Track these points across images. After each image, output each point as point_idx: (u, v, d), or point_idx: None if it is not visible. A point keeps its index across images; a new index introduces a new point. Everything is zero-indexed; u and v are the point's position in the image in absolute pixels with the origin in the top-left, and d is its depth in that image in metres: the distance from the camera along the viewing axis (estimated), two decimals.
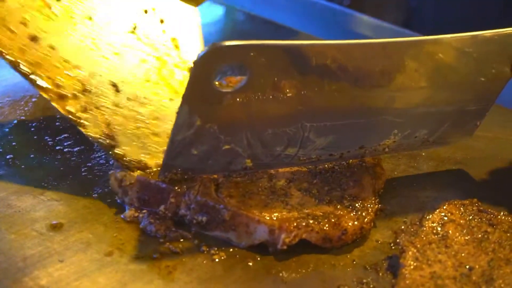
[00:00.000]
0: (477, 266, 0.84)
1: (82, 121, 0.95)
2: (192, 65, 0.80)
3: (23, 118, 1.18)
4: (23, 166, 1.05)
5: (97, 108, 0.97)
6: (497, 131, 1.18)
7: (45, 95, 0.95)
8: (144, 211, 0.94)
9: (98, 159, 1.07)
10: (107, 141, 0.96)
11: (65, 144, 1.11)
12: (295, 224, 0.88)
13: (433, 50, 0.91)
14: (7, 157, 1.07)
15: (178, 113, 0.82)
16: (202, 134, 0.85)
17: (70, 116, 0.96)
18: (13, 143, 1.11)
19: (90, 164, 1.06)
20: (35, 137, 1.13)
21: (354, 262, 0.89)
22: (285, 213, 0.90)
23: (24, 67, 0.95)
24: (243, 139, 0.87)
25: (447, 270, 0.83)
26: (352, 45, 0.87)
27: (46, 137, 1.13)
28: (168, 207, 0.93)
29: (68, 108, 0.95)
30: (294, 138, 0.90)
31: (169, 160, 0.89)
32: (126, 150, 0.97)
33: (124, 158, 0.97)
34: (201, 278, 0.85)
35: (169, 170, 0.91)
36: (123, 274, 0.85)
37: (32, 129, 1.15)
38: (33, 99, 1.23)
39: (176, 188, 0.93)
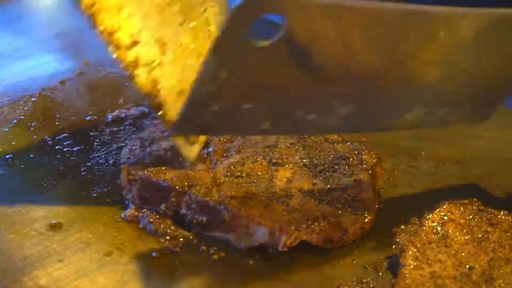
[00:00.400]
0: (477, 266, 0.84)
1: (134, 74, 0.92)
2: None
3: (23, 117, 1.18)
4: (22, 166, 1.05)
5: (147, 64, 0.93)
6: (497, 131, 1.18)
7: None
8: (144, 210, 0.94)
9: (97, 158, 1.07)
10: (156, 100, 0.91)
11: (64, 143, 1.11)
12: (295, 226, 0.88)
13: (462, 23, 0.89)
14: (7, 156, 1.07)
15: (204, 63, 0.78)
16: (226, 89, 0.81)
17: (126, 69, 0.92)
18: (13, 143, 1.11)
19: (89, 163, 1.06)
20: (34, 136, 1.13)
21: (354, 262, 0.89)
22: (285, 214, 0.90)
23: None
24: (266, 98, 0.84)
25: (447, 270, 0.83)
26: (392, 10, 0.83)
27: (45, 137, 1.13)
28: (169, 206, 0.93)
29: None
30: (316, 103, 0.86)
31: (187, 114, 0.83)
32: (170, 112, 0.92)
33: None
34: (200, 277, 0.85)
35: (184, 126, 0.85)
36: (123, 274, 0.85)
37: (32, 128, 1.15)
38: (33, 99, 1.23)
39: (177, 187, 0.93)
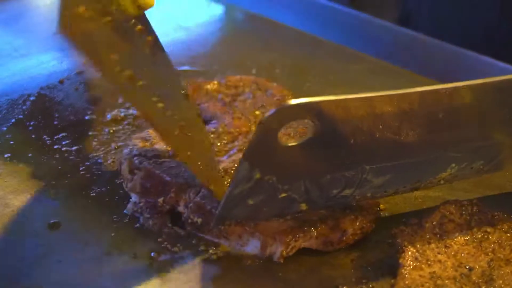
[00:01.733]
0: (477, 266, 0.84)
1: None
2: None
3: (21, 117, 1.18)
4: (21, 165, 1.05)
5: None
6: None
7: None
8: (141, 203, 0.94)
9: (96, 158, 1.07)
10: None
11: (63, 143, 1.11)
12: (292, 234, 0.87)
13: (491, 92, 0.93)
14: (5, 156, 1.07)
15: (238, 168, 0.82)
16: (260, 186, 0.84)
17: None
18: (11, 142, 1.10)
19: (88, 163, 1.06)
20: (33, 136, 1.13)
21: (353, 262, 0.89)
22: (282, 222, 0.89)
23: None
24: (301, 186, 0.87)
25: (446, 270, 0.83)
26: (420, 93, 0.87)
27: (44, 136, 1.12)
28: (167, 200, 0.93)
29: None
30: (352, 180, 0.89)
31: (225, 212, 0.87)
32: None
33: None
34: (198, 277, 0.85)
35: (223, 221, 0.89)
36: (121, 273, 0.85)
37: (30, 128, 1.15)
38: (31, 98, 1.23)
39: (179, 184, 0.93)
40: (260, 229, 0.88)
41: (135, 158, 0.97)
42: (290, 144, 0.82)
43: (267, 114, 0.78)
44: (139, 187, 0.95)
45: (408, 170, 0.93)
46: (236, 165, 0.97)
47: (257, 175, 0.82)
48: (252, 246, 0.88)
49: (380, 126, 0.86)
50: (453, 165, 0.95)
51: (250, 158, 0.81)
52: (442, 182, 0.97)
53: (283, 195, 0.86)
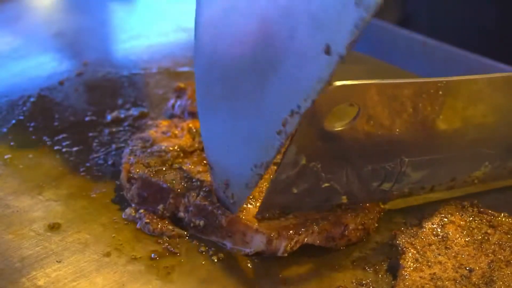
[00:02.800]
0: (477, 268, 0.84)
1: None
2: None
3: (21, 118, 1.18)
4: (21, 166, 1.05)
5: None
6: None
7: None
8: (142, 210, 0.94)
9: (96, 159, 1.07)
10: None
11: (63, 144, 1.11)
12: (295, 230, 0.87)
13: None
14: (5, 157, 1.07)
15: (285, 153, 0.83)
16: (305, 173, 0.85)
17: None
18: (11, 143, 1.10)
19: (88, 164, 1.06)
20: (33, 137, 1.13)
21: (354, 263, 0.88)
22: (284, 220, 0.89)
23: None
24: (343, 177, 0.88)
25: (447, 272, 0.83)
26: (461, 81, 0.89)
27: (44, 137, 1.12)
28: (167, 207, 0.93)
29: None
30: (391, 174, 0.91)
31: (269, 199, 0.88)
32: None
33: None
34: (199, 279, 0.85)
35: (267, 209, 0.90)
36: (121, 275, 0.85)
37: (30, 129, 1.15)
38: (31, 99, 1.23)
39: (177, 189, 0.93)
40: (264, 226, 0.88)
41: (131, 167, 0.97)
42: (335, 129, 0.82)
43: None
44: (136, 197, 0.95)
45: (444, 166, 0.95)
46: None
47: (303, 161, 0.83)
48: (257, 242, 0.88)
49: (419, 115, 0.87)
50: (487, 163, 0.97)
51: (297, 142, 0.82)
52: (476, 181, 0.99)
53: (326, 185, 0.87)
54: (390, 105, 0.84)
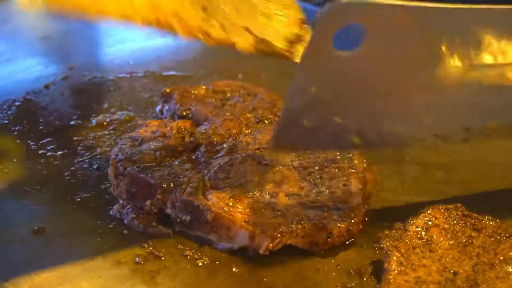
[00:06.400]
0: (461, 271, 0.84)
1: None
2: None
3: (6, 122, 1.17)
4: (6, 171, 1.05)
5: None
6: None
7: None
8: (129, 206, 0.94)
9: (81, 163, 1.07)
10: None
11: (48, 148, 1.10)
12: (279, 230, 0.88)
13: None
14: None
15: (294, 79, 0.82)
16: (315, 103, 0.84)
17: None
18: None
19: (73, 168, 1.06)
20: (18, 141, 1.12)
21: (338, 267, 0.89)
22: (270, 217, 0.89)
23: None
24: (354, 112, 0.86)
25: (431, 275, 0.83)
26: (478, 9, 0.86)
27: (29, 141, 1.12)
28: (155, 203, 0.94)
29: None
30: (403, 116, 0.89)
31: (281, 130, 0.87)
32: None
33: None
34: (184, 282, 0.85)
35: (280, 142, 0.89)
36: (106, 279, 0.85)
37: (15, 133, 1.15)
38: (17, 103, 1.23)
39: (164, 185, 0.93)
40: (247, 222, 0.88)
41: (119, 164, 0.97)
42: (343, 53, 0.81)
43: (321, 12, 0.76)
44: (125, 193, 0.96)
45: (456, 113, 0.92)
46: (221, 167, 0.97)
47: (313, 89, 0.82)
48: (241, 238, 0.88)
49: (428, 43, 0.85)
50: (500, 113, 0.95)
51: (306, 66, 0.81)
52: (492, 135, 0.97)
53: (336, 119, 0.86)
54: (400, 29, 0.82)
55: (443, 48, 0.86)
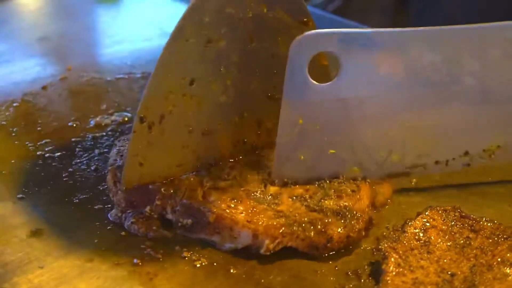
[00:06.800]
0: (459, 272, 0.84)
1: None
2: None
3: (4, 123, 1.17)
4: (4, 172, 1.05)
5: None
6: None
7: None
8: (129, 211, 0.94)
9: (79, 164, 1.07)
10: None
11: (46, 149, 1.10)
12: (280, 231, 0.88)
13: None
14: None
15: (281, 110, 0.82)
16: (306, 135, 0.84)
17: None
18: None
19: (71, 169, 1.06)
20: (16, 142, 1.12)
21: (336, 268, 0.89)
22: (272, 218, 0.89)
23: None
24: (346, 142, 0.86)
25: (429, 276, 0.83)
26: (461, 30, 0.87)
27: (27, 142, 1.12)
28: (154, 208, 0.93)
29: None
30: (395, 142, 0.89)
31: (279, 166, 0.88)
32: None
33: None
34: (182, 284, 0.85)
35: (279, 178, 0.91)
36: (104, 281, 0.85)
37: (13, 134, 1.15)
38: (14, 104, 1.23)
39: (163, 190, 0.93)
40: (249, 222, 0.88)
41: (118, 170, 0.96)
42: (320, 84, 0.82)
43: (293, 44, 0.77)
44: (123, 202, 0.95)
45: (453, 137, 0.93)
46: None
47: (300, 121, 0.83)
48: (244, 236, 0.88)
49: (409, 69, 0.84)
50: (500, 135, 0.94)
51: (287, 95, 0.81)
52: (493, 157, 0.97)
53: (331, 151, 0.86)
54: (373, 55, 0.82)
55: (425, 69, 0.86)
